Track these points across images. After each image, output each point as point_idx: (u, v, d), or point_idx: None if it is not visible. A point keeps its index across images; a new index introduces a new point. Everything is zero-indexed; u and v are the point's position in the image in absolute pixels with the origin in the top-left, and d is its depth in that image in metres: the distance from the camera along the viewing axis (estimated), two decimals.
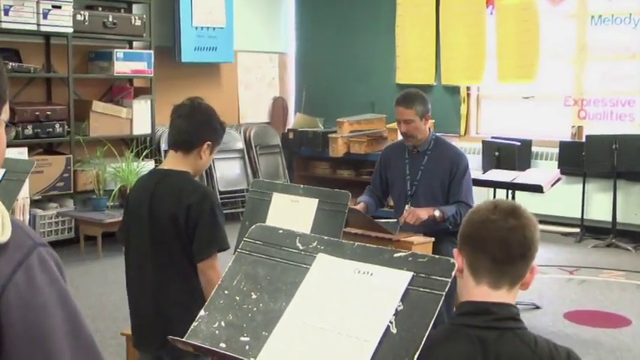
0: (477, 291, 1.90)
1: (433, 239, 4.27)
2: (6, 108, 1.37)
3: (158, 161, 7.84)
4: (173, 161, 3.15)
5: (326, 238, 1.72)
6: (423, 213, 4.42)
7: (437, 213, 4.46)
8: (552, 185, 5.70)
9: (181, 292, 3.07)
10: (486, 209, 1.96)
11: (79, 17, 7.25)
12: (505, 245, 1.88)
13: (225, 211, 8.75)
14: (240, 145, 9.10)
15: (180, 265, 3.06)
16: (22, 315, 1.21)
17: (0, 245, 1.22)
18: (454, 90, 8.87)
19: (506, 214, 1.92)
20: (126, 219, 3.27)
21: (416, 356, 1.47)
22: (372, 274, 1.61)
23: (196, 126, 3.10)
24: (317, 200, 3.27)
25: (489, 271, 1.89)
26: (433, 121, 8.28)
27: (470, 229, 1.96)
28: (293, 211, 3.29)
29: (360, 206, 4.51)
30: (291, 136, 9.44)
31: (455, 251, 1.96)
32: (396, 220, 4.50)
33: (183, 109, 3.15)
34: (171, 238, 3.04)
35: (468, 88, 8.88)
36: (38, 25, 6.86)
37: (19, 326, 1.21)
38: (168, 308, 3.07)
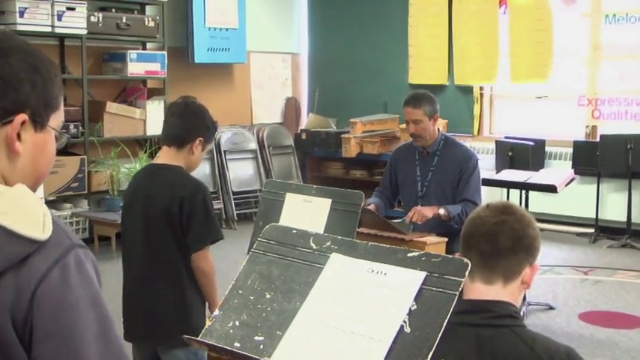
0: (473, 288, 1.92)
1: (446, 239, 4.26)
2: (57, 115, 1.39)
3: None
4: (166, 156, 3.26)
5: (339, 237, 1.73)
6: (428, 211, 4.43)
7: (442, 211, 4.47)
8: (566, 185, 5.68)
9: (170, 284, 3.14)
10: (480, 209, 2.00)
11: (92, 19, 7.29)
12: (491, 238, 1.90)
13: (238, 212, 8.83)
14: (253, 145, 9.11)
15: (171, 259, 3.14)
16: (53, 312, 1.23)
17: (40, 242, 1.24)
18: (467, 90, 8.86)
19: (496, 211, 1.95)
20: (122, 214, 3.33)
21: (430, 356, 1.47)
22: (385, 274, 1.61)
23: (189, 123, 3.20)
24: (330, 200, 3.28)
25: (479, 266, 1.91)
26: (446, 120, 8.32)
27: (464, 230, 1.99)
28: (306, 211, 3.31)
29: (370, 207, 4.51)
30: (303, 136, 9.45)
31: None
32: (403, 219, 4.49)
33: (176, 107, 3.27)
34: (164, 231, 3.13)
35: (481, 88, 8.86)
36: (53, 26, 6.90)
37: (49, 322, 1.23)
38: (158, 301, 3.16)
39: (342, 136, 8.85)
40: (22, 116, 1.33)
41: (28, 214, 1.25)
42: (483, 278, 1.92)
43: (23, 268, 1.23)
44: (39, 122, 1.36)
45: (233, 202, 8.68)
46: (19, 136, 1.33)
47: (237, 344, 1.61)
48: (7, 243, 1.22)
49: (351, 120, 8.82)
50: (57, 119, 1.40)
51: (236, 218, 8.64)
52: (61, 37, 7.26)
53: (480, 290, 1.91)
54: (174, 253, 3.12)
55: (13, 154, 1.33)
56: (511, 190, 6.31)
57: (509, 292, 1.92)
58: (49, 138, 1.39)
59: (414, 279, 1.58)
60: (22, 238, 1.23)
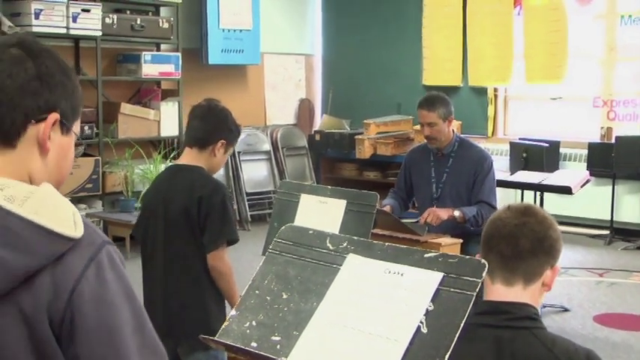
0: (493, 290, 1.91)
1: (461, 240, 4.25)
2: (77, 124, 1.42)
3: None
4: (188, 157, 3.26)
5: (356, 238, 1.73)
6: (443, 213, 4.42)
7: (456, 213, 4.46)
8: (581, 187, 5.66)
9: (189, 285, 3.14)
10: (501, 211, 1.99)
11: (107, 20, 7.32)
12: (512, 240, 1.90)
13: (251, 213, 8.84)
14: (267, 146, 9.13)
15: (190, 261, 3.14)
16: (94, 309, 1.26)
17: (74, 240, 1.26)
18: (481, 91, 8.84)
19: (517, 213, 1.94)
20: (142, 215, 3.34)
21: (447, 356, 1.47)
22: (402, 275, 1.61)
23: (212, 125, 3.21)
24: (345, 201, 3.28)
25: (500, 268, 1.90)
26: (460, 122, 8.30)
27: (484, 231, 1.99)
28: (321, 212, 3.31)
29: (386, 208, 4.51)
30: (317, 137, 9.45)
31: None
32: (417, 220, 4.49)
33: (200, 109, 3.28)
34: (183, 231, 3.13)
35: (496, 89, 8.84)
36: (68, 28, 6.94)
37: (92, 320, 1.26)
38: (177, 303, 3.15)
39: (356, 137, 8.85)
40: (55, 115, 1.35)
41: (60, 212, 1.27)
42: (504, 280, 1.91)
43: (59, 266, 1.25)
44: (66, 125, 1.38)
45: (247, 203, 8.69)
46: (49, 136, 1.36)
47: (254, 344, 1.61)
48: (43, 241, 1.24)
49: (365, 121, 8.82)
50: (77, 128, 1.43)
51: (250, 219, 8.65)
52: (76, 39, 7.30)
53: (500, 292, 1.91)
54: (194, 254, 3.12)
55: (43, 152, 1.35)
56: (525, 192, 6.28)
57: (529, 294, 1.91)
58: (71, 143, 1.42)
59: (430, 280, 1.58)
60: (58, 236, 1.24)
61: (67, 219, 1.27)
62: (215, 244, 3.10)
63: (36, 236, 1.23)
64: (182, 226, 3.12)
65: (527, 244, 1.90)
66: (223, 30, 8.62)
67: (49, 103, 1.35)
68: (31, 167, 1.35)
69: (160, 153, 7.69)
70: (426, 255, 1.63)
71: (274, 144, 9.31)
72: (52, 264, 1.25)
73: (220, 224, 3.10)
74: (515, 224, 1.92)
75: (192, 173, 3.19)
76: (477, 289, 1.54)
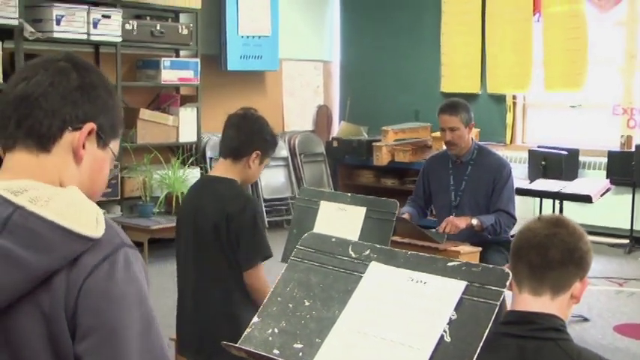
0: (520, 300, 1.90)
1: (480, 249, 4.24)
2: (115, 144, 1.46)
3: (204, 169, 7.91)
4: (222, 168, 3.19)
5: (379, 246, 1.72)
6: (461, 222, 4.40)
7: (474, 222, 4.44)
8: (602, 195, 5.62)
9: (220, 300, 3.10)
10: (531, 222, 1.98)
11: (127, 26, 7.36)
12: (541, 250, 1.89)
13: (269, 219, 8.82)
14: (285, 153, 9.13)
15: (220, 274, 3.09)
16: (97, 304, 1.26)
17: (94, 240, 1.27)
18: (500, 98, 8.81)
19: (547, 223, 1.93)
20: (176, 227, 3.31)
21: None
22: (425, 283, 1.60)
23: (246, 135, 3.13)
24: (365, 209, 3.28)
25: (528, 277, 1.89)
26: (478, 130, 8.28)
27: (514, 242, 1.98)
28: (340, 219, 3.30)
29: (405, 216, 4.50)
30: (335, 144, 9.45)
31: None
32: (435, 230, 4.47)
33: (235, 118, 3.20)
34: (213, 246, 3.08)
35: (514, 97, 8.81)
36: (88, 34, 6.97)
37: (92, 316, 1.26)
38: (207, 315, 3.11)
39: (374, 144, 8.83)
40: (91, 125, 1.39)
41: (82, 213, 1.29)
42: (531, 289, 1.89)
43: (75, 265, 1.27)
44: (102, 139, 1.42)
45: (264, 209, 8.69)
46: (83, 145, 1.39)
47: (276, 351, 1.61)
48: (63, 242, 1.25)
49: (383, 128, 8.80)
50: (115, 147, 1.47)
51: (267, 226, 8.65)
52: (96, 45, 7.34)
53: (527, 301, 1.89)
54: (224, 268, 3.07)
55: (77, 160, 1.37)
56: (544, 200, 6.25)
57: (557, 306, 1.90)
58: (107, 159, 1.45)
59: (454, 288, 1.57)
60: (78, 237, 1.26)
61: (88, 219, 1.28)
62: (250, 263, 3.04)
63: (57, 237, 1.25)
64: (212, 241, 3.07)
65: (556, 255, 1.89)
66: (242, 36, 8.65)
67: (87, 114, 1.38)
68: (63, 173, 1.38)
69: (178, 158, 7.71)
70: (449, 264, 1.62)
71: (292, 150, 9.32)
72: (70, 263, 1.27)
73: (253, 242, 3.04)
74: (546, 234, 1.91)
75: (222, 186, 3.12)
76: (501, 299, 1.53)
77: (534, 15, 8.42)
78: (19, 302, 1.26)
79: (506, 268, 1.60)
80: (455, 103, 4.66)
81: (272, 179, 8.91)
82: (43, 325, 1.26)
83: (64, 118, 1.36)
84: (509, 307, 1.99)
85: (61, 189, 1.32)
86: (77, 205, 1.30)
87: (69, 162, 1.38)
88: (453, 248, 4.12)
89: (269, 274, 3.16)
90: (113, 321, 1.27)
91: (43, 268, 1.25)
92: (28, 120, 1.35)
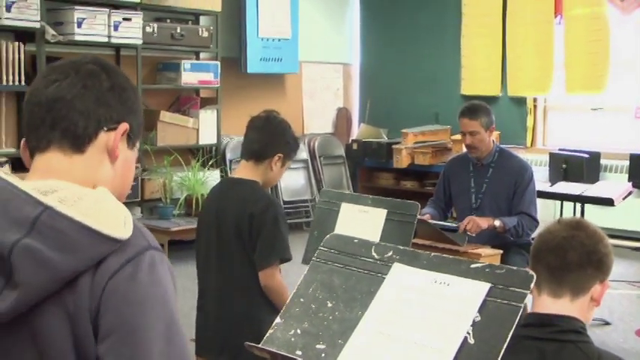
0: (539, 302, 1.90)
1: (501, 251, 4.22)
2: (137, 144, 1.48)
3: (223, 171, 7.93)
4: (243, 170, 3.19)
5: (402, 247, 1.72)
6: (483, 222, 4.38)
7: (497, 223, 4.42)
8: (624, 199, 5.58)
9: (243, 302, 3.09)
10: (551, 224, 1.98)
11: (148, 29, 7.39)
12: (560, 251, 1.88)
13: (288, 221, 8.75)
14: (305, 155, 9.13)
15: (243, 275, 3.08)
16: (117, 305, 1.27)
17: (119, 242, 1.28)
18: (521, 101, 8.76)
19: (567, 226, 1.93)
20: (197, 229, 3.31)
21: None
22: (448, 285, 1.60)
23: (269, 137, 3.12)
24: (386, 211, 3.27)
25: (547, 279, 1.89)
26: (498, 132, 8.23)
27: (534, 244, 1.98)
28: (361, 221, 3.30)
29: (426, 217, 4.48)
30: (355, 146, 9.44)
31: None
32: (456, 226, 4.45)
33: (258, 120, 3.19)
34: (235, 247, 3.08)
35: (535, 100, 8.76)
36: (109, 37, 7.01)
37: (113, 317, 1.26)
38: (230, 318, 3.09)
39: (394, 146, 8.83)
40: (125, 125, 1.41)
41: (111, 214, 1.29)
42: (551, 292, 1.89)
43: (101, 266, 1.27)
44: (132, 139, 1.44)
45: (284, 211, 8.69)
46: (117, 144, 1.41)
47: (298, 352, 1.61)
48: (91, 243, 1.26)
49: (403, 131, 8.79)
50: (137, 146, 1.48)
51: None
52: (117, 47, 7.38)
53: (547, 304, 1.89)
54: (247, 269, 3.06)
55: (112, 160, 1.39)
56: (565, 203, 6.21)
57: (577, 308, 1.89)
58: (134, 158, 1.48)
59: (477, 290, 1.56)
60: (106, 238, 1.27)
61: (116, 221, 1.29)
62: (266, 262, 3.03)
63: (84, 238, 1.26)
64: (234, 242, 3.07)
65: (575, 257, 1.88)
66: (262, 39, 8.66)
67: (120, 114, 1.41)
68: (99, 174, 1.39)
69: (198, 161, 7.73)
70: (472, 265, 1.61)
71: (312, 153, 9.32)
72: (95, 264, 1.27)
73: (272, 242, 3.03)
74: (564, 237, 1.90)
75: (245, 188, 3.11)
76: (525, 301, 1.52)
77: (555, 17, 8.38)
78: (45, 302, 1.26)
79: (530, 270, 1.59)
80: (475, 107, 4.64)
81: (292, 181, 8.91)
82: (68, 326, 1.27)
83: (99, 119, 1.38)
84: (529, 309, 1.99)
85: (90, 190, 1.33)
86: (105, 206, 1.30)
87: (104, 162, 1.40)
88: (474, 251, 4.10)
89: (288, 276, 3.15)
90: (133, 322, 1.27)
91: (70, 268, 1.25)
92: (64, 122, 1.36)
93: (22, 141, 1.44)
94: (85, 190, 1.32)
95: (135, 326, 1.27)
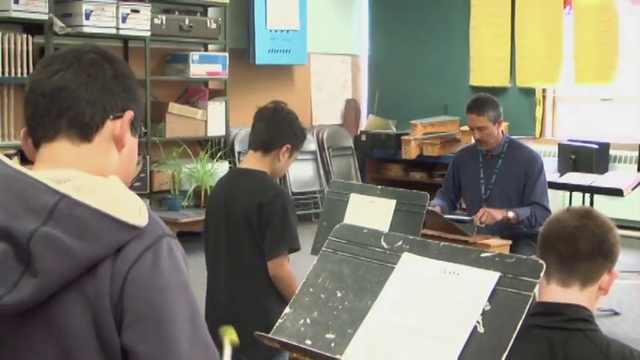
0: (548, 291, 1.90)
1: (510, 242, 4.22)
2: (138, 132, 1.49)
3: (232, 162, 7.93)
4: (251, 161, 3.19)
5: (411, 237, 1.72)
6: (498, 214, 4.38)
7: (511, 214, 4.42)
8: (633, 189, 5.56)
9: (251, 292, 3.10)
10: (560, 213, 1.98)
11: (156, 21, 7.40)
12: (572, 241, 1.88)
13: (297, 213, 8.77)
14: (313, 146, 9.13)
15: (252, 266, 3.09)
16: (144, 294, 1.28)
17: (137, 229, 1.29)
18: (529, 92, 8.74)
19: (577, 215, 1.93)
20: (205, 220, 3.31)
21: (504, 357, 1.45)
22: (458, 274, 1.59)
23: (276, 128, 3.13)
24: (395, 201, 3.26)
25: (557, 268, 1.89)
26: (507, 123, 8.21)
27: (542, 232, 1.98)
28: (370, 212, 3.29)
29: (436, 209, 4.48)
30: (363, 138, 9.44)
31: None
32: (470, 218, 4.45)
33: (265, 112, 3.19)
34: (244, 236, 3.08)
35: (544, 90, 8.74)
36: (117, 28, 7.02)
37: (140, 305, 1.28)
38: (240, 308, 3.09)
39: (402, 137, 8.82)
40: (131, 113, 1.43)
41: (125, 202, 1.30)
42: (560, 281, 1.89)
43: (120, 254, 1.28)
44: (134, 127, 1.45)
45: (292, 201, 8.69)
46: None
47: (308, 342, 1.61)
48: (110, 230, 1.27)
49: (411, 122, 8.78)
50: (138, 134, 1.49)
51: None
52: (125, 39, 7.38)
53: (556, 293, 1.89)
54: (256, 260, 3.06)
55: (119, 147, 1.40)
56: (574, 194, 6.19)
57: (585, 297, 1.89)
58: (136, 146, 1.49)
59: (487, 279, 1.56)
60: (124, 225, 1.28)
61: (132, 209, 1.30)
62: (275, 252, 3.03)
63: (104, 225, 1.26)
64: (243, 232, 3.07)
65: (586, 247, 1.88)
66: (270, 30, 8.66)
67: (124, 102, 1.42)
68: (106, 161, 1.40)
69: (207, 152, 7.74)
70: (482, 255, 1.61)
71: (320, 144, 9.32)
72: (116, 252, 1.28)
73: (281, 232, 3.03)
74: (575, 226, 1.90)
75: (254, 178, 3.12)
76: (535, 290, 1.52)
77: (565, 7, 8.34)
78: (64, 290, 1.27)
79: (540, 260, 1.59)
80: (482, 102, 4.61)
81: (300, 173, 8.91)
82: (89, 313, 1.28)
83: (105, 108, 1.39)
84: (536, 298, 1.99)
85: (102, 178, 1.34)
86: (120, 194, 1.32)
87: (111, 150, 1.41)
88: (483, 241, 4.10)
89: (296, 267, 3.16)
90: (161, 309, 1.29)
91: (91, 256, 1.26)
92: (71, 111, 1.37)
93: (23, 131, 1.45)
94: (98, 178, 1.33)
95: (162, 313, 1.28)
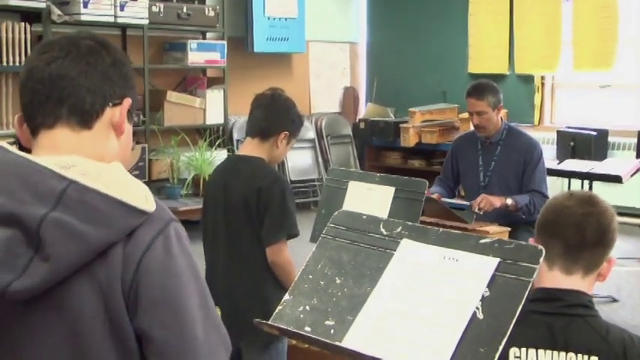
0: (549, 277, 1.90)
1: (509, 229, 4.21)
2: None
3: (231, 150, 7.92)
4: (249, 147, 3.20)
5: (410, 223, 1.72)
6: (496, 201, 4.38)
7: (509, 201, 4.41)
8: (632, 176, 5.56)
9: (250, 279, 3.10)
10: (562, 197, 1.97)
11: (154, 9, 7.37)
12: (579, 230, 1.88)
13: (296, 201, 8.76)
14: (312, 134, 9.12)
15: (250, 252, 3.09)
16: (160, 280, 1.30)
17: (146, 214, 1.30)
18: (528, 79, 8.73)
19: (581, 201, 1.92)
20: (203, 207, 3.31)
21: (503, 342, 1.45)
22: (457, 260, 1.60)
23: (274, 115, 3.13)
24: (393, 188, 3.27)
25: (562, 256, 1.88)
26: (506, 110, 8.20)
27: (545, 217, 1.97)
28: (369, 199, 3.29)
29: (435, 196, 4.48)
30: (362, 125, 9.43)
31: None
32: (469, 204, 4.44)
33: (263, 98, 3.19)
34: (243, 223, 3.09)
35: (543, 77, 8.72)
36: (115, 17, 6.99)
37: (155, 290, 1.30)
38: (238, 295, 3.10)
39: (401, 125, 8.81)
40: (129, 100, 1.44)
41: (132, 188, 1.32)
42: (564, 268, 1.89)
43: (131, 239, 1.30)
44: (130, 113, 1.46)
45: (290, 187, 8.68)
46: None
47: (307, 328, 1.61)
48: (120, 215, 1.28)
49: (410, 109, 8.77)
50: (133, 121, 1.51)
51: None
52: (123, 27, 7.36)
53: (558, 279, 1.89)
54: (254, 245, 3.06)
55: (118, 134, 1.41)
56: (573, 181, 6.20)
57: (586, 284, 1.90)
58: (131, 133, 1.50)
59: (486, 265, 1.56)
60: (134, 210, 1.29)
61: (139, 194, 1.31)
62: (274, 237, 3.03)
63: (114, 210, 1.27)
64: (242, 217, 3.07)
65: (592, 236, 1.88)
66: (269, 18, 8.63)
67: (122, 89, 1.43)
68: (105, 148, 1.41)
69: (205, 140, 7.74)
70: (481, 241, 1.61)
71: (319, 132, 9.31)
72: (126, 237, 1.29)
73: (280, 217, 3.03)
74: (582, 214, 1.89)
75: (252, 164, 3.12)
76: (535, 275, 1.52)
77: None
78: (75, 275, 1.28)
79: (539, 245, 1.59)
80: (481, 87, 4.61)
81: (299, 161, 8.91)
82: (99, 297, 1.29)
83: (104, 95, 1.40)
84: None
85: (107, 165, 1.35)
86: (126, 180, 1.33)
87: (110, 137, 1.42)
88: (482, 228, 4.10)
89: (295, 254, 3.16)
90: (176, 295, 1.31)
91: (103, 241, 1.27)
92: (71, 98, 1.38)
93: (17, 116, 1.44)
94: (102, 165, 1.34)
95: (178, 298, 1.31)
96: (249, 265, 3.09)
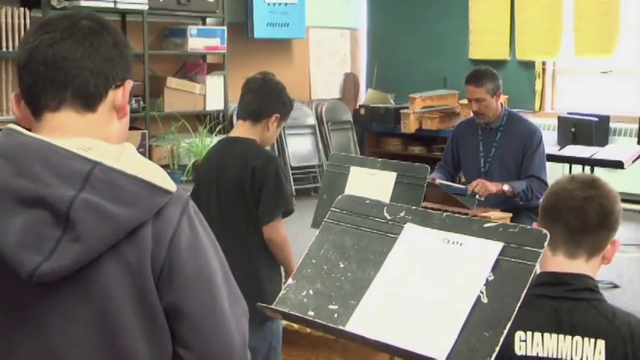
0: (554, 261, 1.89)
1: (511, 214, 4.21)
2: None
3: None
4: (241, 129, 3.26)
5: (414, 208, 1.71)
6: (492, 186, 4.38)
7: (506, 187, 4.41)
8: (633, 162, 5.55)
9: (245, 259, 3.13)
10: (565, 181, 1.96)
11: None
12: (581, 213, 1.87)
13: (296, 187, 8.82)
14: (312, 120, 9.10)
15: (244, 233, 3.14)
16: (190, 257, 1.33)
17: (170, 193, 1.32)
18: (529, 65, 8.70)
19: (583, 185, 1.91)
20: (196, 188, 3.34)
21: (508, 326, 1.45)
22: (461, 244, 1.59)
23: (266, 98, 3.20)
24: (395, 174, 3.27)
25: (565, 240, 1.87)
26: (506, 96, 8.19)
27: (547, 201, 1.96)
28: (371, 185, 3.29)
29: (429, 178, 4.46)
30: (362, 112, 9.40)
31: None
32: (464, 187, 4.44)
33: (254, 82, 3.27)
34: (236, 203, 3.14)
35: (544, 63, 8.69)
36: (115, 2, 6.96)
37: (189, 268, 1.33)
38: (232, 275, 3.12)
39: (401, 111, 8.78)
40: (131, 82, 1.44)
41: (151, 169, 1.32)
42: (567, 252, 1.88)
43: (159, 218, 1.31)
44: (131, 94, 1.47)
45: (291, 177, 8.68)
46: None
47: (311, 313, 1.61)
48: (147, 194, 1.29)
49: (410, 95, 8.74)
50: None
51: (294, 194, 8.64)
52: (123, 13, 7.33)
53: (562, 263, 1.88)
54: (248, 225, 3.12)
55: (121, 116, 1.42)
56: (574, 166, 6.19)
57: (590, 267, 1.89)
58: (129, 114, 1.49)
59: (490, 249, 1.56)
60: (160, 189, 1.30)
61: (158, 174, 1.32)
62: (270, 215, 3.09)
63: (141, 190, 1.28)
64: (236, 198, 3.12)
65: (595, 219, 1.87)
66: (269, 4, 8.59)
67: (123, 71, 1.43)
68: (109, 130, 1.41)
69: (205, 127, 7.72)
70: (485, 225, 1.61)
71: (319, 118, 9.29)
72: (154, 216, 1.30)
73: (275, 195, 3.09)
74: (584, 197, 1.88)
75: (245, 145, 3.18)
76: (539, 259, 1.52)
77: None
78: (103, 256, 1.28)
79: (544, 229, 1.58)
80: (480, 74, 4.59)
81: (299, 147, 8.90)
82: (129, 277, 1.30)
83: (108, 77, 1.39)
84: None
85: (120, 146, 1.35)
86: (144, 161, 1.34)
87: (113, 119, 1.42)
88: (484, 214, 4.09)
89: (297, 241, 3.17)
90: (207, 271, 1.35)
91: (132, 220, 1.28)
92: (76, 81, 1.37)
93: (14, 94, 1.43)
94: (117, 147, 1.35)
95: (208, 274, 1.35)
96: (242, 245, 3.13)
